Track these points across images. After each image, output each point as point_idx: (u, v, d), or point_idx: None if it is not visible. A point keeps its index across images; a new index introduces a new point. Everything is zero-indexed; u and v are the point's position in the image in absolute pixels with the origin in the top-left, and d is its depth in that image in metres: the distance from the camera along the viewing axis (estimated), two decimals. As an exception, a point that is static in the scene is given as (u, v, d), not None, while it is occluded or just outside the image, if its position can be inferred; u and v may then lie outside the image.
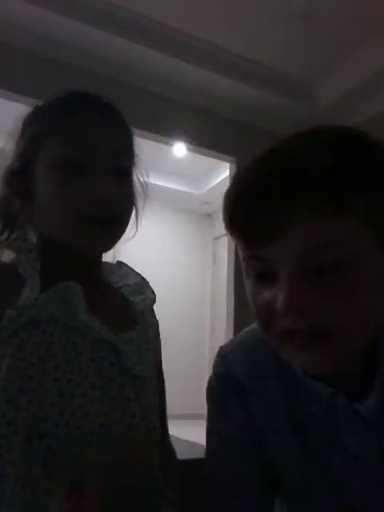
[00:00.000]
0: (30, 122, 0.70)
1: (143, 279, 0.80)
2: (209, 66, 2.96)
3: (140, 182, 0.76)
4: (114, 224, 0.68)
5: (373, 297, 0.46)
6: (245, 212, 0.47)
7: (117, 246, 0.72)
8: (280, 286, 0.46)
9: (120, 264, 0.81)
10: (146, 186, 0.77)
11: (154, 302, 0.78)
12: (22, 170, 0.68)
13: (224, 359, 0.66)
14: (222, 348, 0.68)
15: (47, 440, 0.57)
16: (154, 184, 5.15)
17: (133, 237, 0.74)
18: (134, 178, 0.74)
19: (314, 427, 0.56)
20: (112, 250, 0.74)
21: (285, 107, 3.23)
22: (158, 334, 0.79)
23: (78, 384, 0.60)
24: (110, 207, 0.66)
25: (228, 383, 0.64)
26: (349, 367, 0.52)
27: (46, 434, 0.57)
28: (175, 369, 4.83)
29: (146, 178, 0.77)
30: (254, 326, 0.66)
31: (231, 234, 0.50)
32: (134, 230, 0.74)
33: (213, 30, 2.81)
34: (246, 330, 0.67)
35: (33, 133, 0.68)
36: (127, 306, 0.75)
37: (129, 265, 0.82)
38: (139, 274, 0.80)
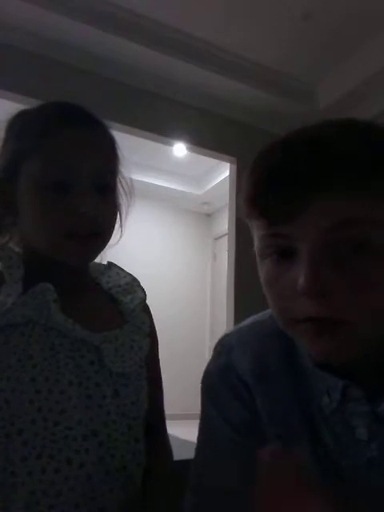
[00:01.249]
0: (11, 131, 0.70)
1: (134, 279, 0.80)
2: (209, 66, 2.96)
3: (123, 187, 0.75)
4: (96, 238, 0.68)
5: None
6: (271, 188, 0.47)
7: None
8: (301, 265, 0.45)
9: (109, 265, 0.81)
10: (130, 184, 0.77)
11: (144, 300, 0.79)
12: (6, 178, 0.68)
13: (228, 352, 0.61)
14: (225, 339, 0.64)
15: (25, 436, 0.58)
16: (155, 184, 5.17)
17: (116, 243, 0.74)
18: (119, 185, 0.74)
19: (325, 423, 0.54)
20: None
21: (285, 107, 3.23)
22: (153, 331, 0.80)
23: (56, 381, 0.62)
24: (91, 223, 0.66)
25: (230, 379, 0.60)
26: (361, 362, 0.51)
27: (24, 430, 0.58)
28: (175, 369, 4.83)
29: (129, 177, 0.76)
30: (257, 317, 0.64)
31: (252, 212, 0.49)
32: (118, 236, 0.74)
33: (213, 30, 2.81)
34: (249, 322, 0.64)
35: (14, 148, 0.68)
36: (117, 306, 0.76)
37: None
38: (129, 274, 0.81)
